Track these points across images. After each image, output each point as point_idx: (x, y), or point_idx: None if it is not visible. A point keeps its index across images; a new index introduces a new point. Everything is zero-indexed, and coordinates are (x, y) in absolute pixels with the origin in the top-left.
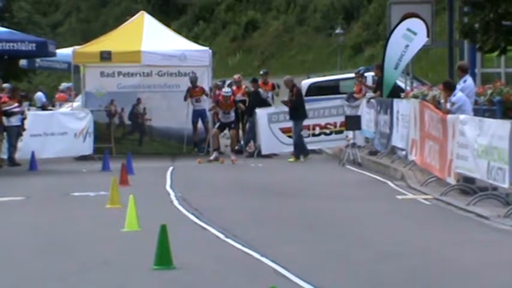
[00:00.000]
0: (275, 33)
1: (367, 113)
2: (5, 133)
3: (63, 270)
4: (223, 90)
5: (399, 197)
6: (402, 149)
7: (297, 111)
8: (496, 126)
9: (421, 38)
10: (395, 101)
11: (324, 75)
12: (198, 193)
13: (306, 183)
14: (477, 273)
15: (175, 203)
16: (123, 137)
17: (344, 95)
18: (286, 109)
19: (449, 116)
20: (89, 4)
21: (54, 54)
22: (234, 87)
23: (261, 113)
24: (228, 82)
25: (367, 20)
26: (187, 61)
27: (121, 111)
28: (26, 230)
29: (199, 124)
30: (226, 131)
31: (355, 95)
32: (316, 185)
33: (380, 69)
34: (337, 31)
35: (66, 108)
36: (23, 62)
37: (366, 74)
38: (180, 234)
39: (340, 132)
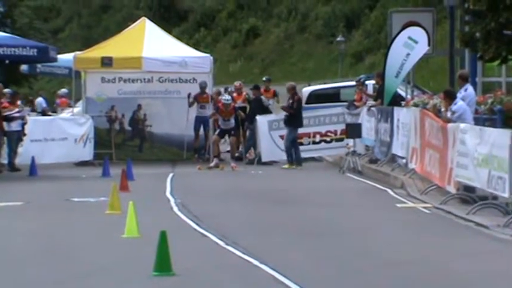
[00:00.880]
0: (276, 40)
1: (367, 121)
2: (5, 138)
3: (62, 275)
4: (223, 97)
5: (399, 205)
6: (402, 157)
7: (294, 119)
8: (497, 135)
9: (422, 47)
10: (396, 109)
11: (325, 83)
12: (198, 200)
13: (306, 190)
14: (476, 282)
15: (175, 209)
16: (124, 143)
17: (345, 103)
18: None
19: (449, 125)
20: (90, 10)
21: (55, 60)
22: (235, 94)
23: (261, 120)
24: (229, 89)
25: (368, 28)
26: (188, 67)
27: (121, 117)
28: (26, 236)
29: (201, 131)
30: (226, 137)
31: (355, 103)
32: (316, 193)
33: (381, 77)
34: (338, 39)
35: (66, 113)
36: (23, 67)
37: (366, 82)
38: (180, 240)
39: (341, 140)
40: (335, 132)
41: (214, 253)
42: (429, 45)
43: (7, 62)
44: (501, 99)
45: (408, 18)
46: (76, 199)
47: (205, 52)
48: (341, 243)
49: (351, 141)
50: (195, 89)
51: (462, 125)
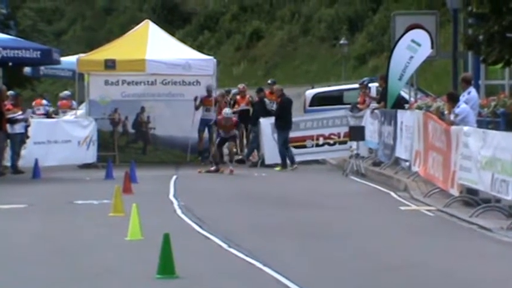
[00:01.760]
0: (279, 43)
1: (371, 124)
2: (8, 140)
3: (66, 278)
4: (225, 111)
5: (402, 208)
6: (406, 160)
7: (282, 121)
8: (500, 138)
9: (426, 50)
10: (399, 112)
11: (328, 86)
12: (202, 202)
13: (309, 193)
14: (479, 285)
15: (179, 212)
16: (127, 145)
17: (348, 106)
18: None
19: (453, 128)
20: (94, 12)
21: (58, 62)
22: (238, 97)
23: (265, 122)
24: (231, 91)
25: (371, 31)
26: (191, 70)
27: (125, 120)
28: (29, 238)
29: (205, 133)
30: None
31: (359, 106)
32: (320, 195)
33: (384, 80)
34: (342, 42)
35: (69, 116)
36: (27, 70)
37: (370, 85)
38: (183, 243)
39: (344, 142)
40: (338, 135)
41: (218, 256)
42: (432, 48)
43: (10, 64)
44: (504, 102)
45: (411, 21)
46: (79, 201)
47: (208, 55)
48: (344, 245)
49: (354, 144)
50: (198, 92)
51: (465, 128)
